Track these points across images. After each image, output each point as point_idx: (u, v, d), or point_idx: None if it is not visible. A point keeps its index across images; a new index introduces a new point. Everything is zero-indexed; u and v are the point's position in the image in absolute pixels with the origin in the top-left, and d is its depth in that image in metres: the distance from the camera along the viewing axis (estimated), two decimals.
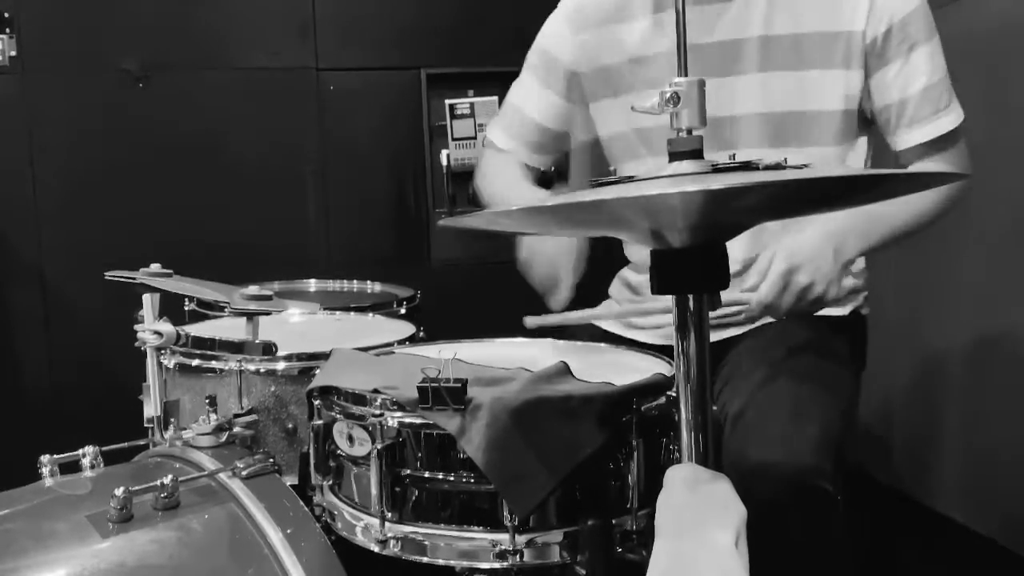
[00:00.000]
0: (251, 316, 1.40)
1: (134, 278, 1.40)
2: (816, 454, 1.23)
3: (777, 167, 0.87)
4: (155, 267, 1.45)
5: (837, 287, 1.33)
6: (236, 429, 1.35)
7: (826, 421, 1.29)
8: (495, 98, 2.96)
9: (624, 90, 1.58)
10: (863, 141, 1.52)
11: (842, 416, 1.34)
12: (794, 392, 1.32)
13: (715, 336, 1.46)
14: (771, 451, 1.23)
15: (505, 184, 1.71)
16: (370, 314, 1.90)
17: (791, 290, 1.30)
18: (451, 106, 2.95)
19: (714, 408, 1.40)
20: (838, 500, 1.22)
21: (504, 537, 1.07)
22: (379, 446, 1.11)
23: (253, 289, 1.45)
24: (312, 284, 2.41)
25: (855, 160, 1.52)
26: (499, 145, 1.75)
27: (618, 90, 1.60)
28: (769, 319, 1.49)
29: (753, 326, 1.49)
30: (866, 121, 1.51)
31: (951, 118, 1.46)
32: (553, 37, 1.67)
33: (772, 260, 1.31)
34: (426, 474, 1.11)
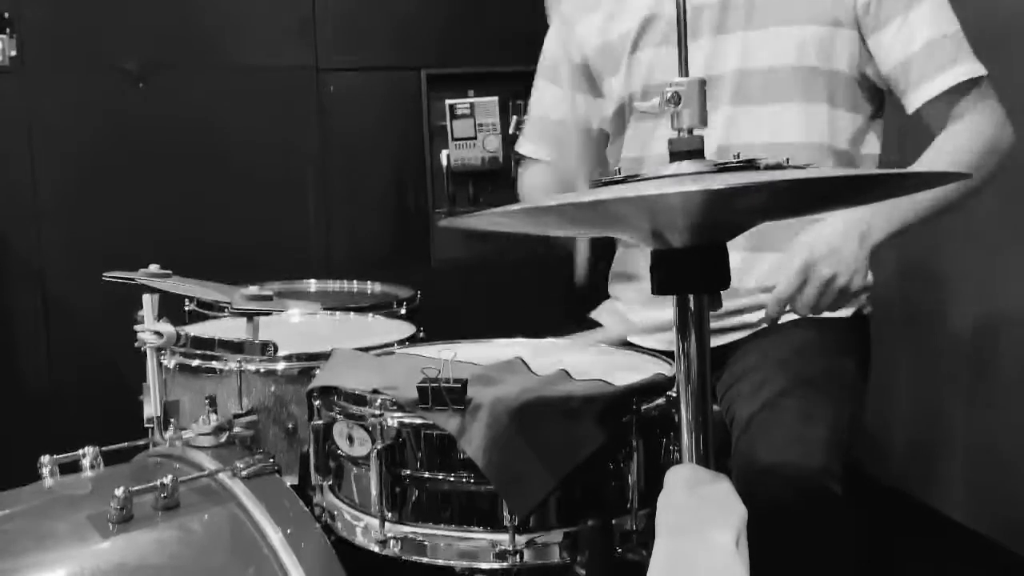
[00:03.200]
0: (251, 316, 1.40)
1: (133, 279, 1.40)
2: (826, 456, 1.22)
3: (778, 167, 0.87)
4: (153, 268, 1.45)
5: (864, 276, 1.27)
6: (236, 429, 1.35)
7: (836, 423, 1.28)
8: (495, 98, 2.96)
9: (627, 58, 1.59)
10: (859, 116, 1.50)
11: (851, 418, 1.33)
12: (804, 394, 1.30)
13: (719, 340, 1.46)
14: (781, 453, 1.22)
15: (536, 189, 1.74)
16: (370, 314, 1.89)
17: (813, 283, 1.24)
18: (451, 106, 2.95)
19: (715, 408, 1.41)
20: (847, 502, 1.22)
21: (504, 537, 1.07)
22: (379, 446, 1.11)
23: (253, 289, 1.45)
24: (312, 284, 2.41)
25: (847, 129, 1.50)
26: (522, 151, 1.77)
27: (619, 62, 1.60)
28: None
29: (757, 329, 1.49)
30: (879, 92, 1.49)
31: (961, 70, 1.38)
32: (552, 38, 1.70)
33: (792, 255, 1.26)
34: (426, 474, 1.11)
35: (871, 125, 1.52)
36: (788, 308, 1.28)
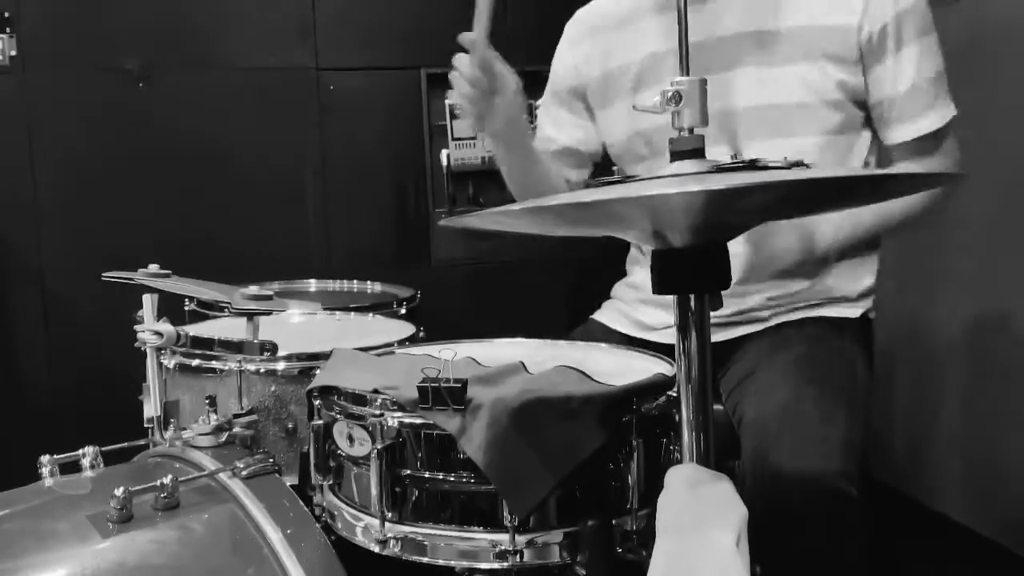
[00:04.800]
0: (251, 316, 1.40)
1: (131, 279, 1.40)
2: (842, 458, 1.23)
3: (781, 167, 0.87)
4: (153, 267, 1.45)
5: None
6: (236, 429, 1.35)
7: (849, 425, 1.28)
8: None
9: (627, 94, 1.59)
10: (867, 136, 1.52)
11: (863, 420, 1.33)
12: (817, 396, 1.31)
13: (722, 335, 1.47)
14: (800, 455, 1.22)
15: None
16: (370, 314, 1.89)
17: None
18: (451, 106, 2.95)
19: (719, 407, 1.41)
20: (862, 504, 1.22)
21: (504, 537, 1.07)
22: (379, 446, 1.11)
23: (253, 289, 1.45)
24: (312, 284, 2.41)
25: (858, 154, 1.51)
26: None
27: (621, 94, 1.60)
28: (777, 320, 1.49)
29: (762, 326, 1.49)
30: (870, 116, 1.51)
31: (935, 117, 1.45)
32: (556, 60, 1.71)
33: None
34: (426, 474, 1.11)
35: (865, 137, 1.53)
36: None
